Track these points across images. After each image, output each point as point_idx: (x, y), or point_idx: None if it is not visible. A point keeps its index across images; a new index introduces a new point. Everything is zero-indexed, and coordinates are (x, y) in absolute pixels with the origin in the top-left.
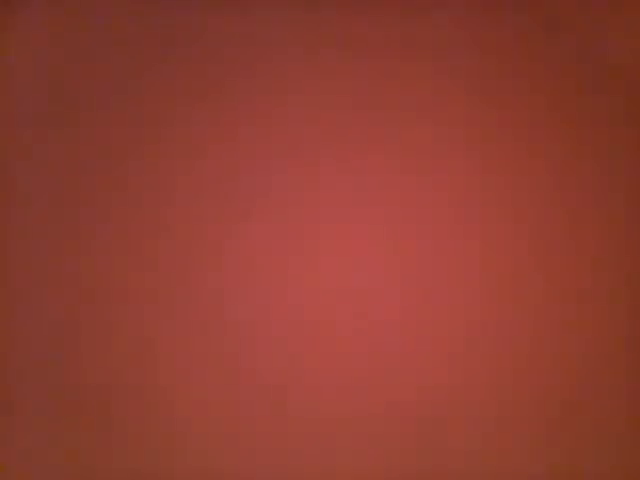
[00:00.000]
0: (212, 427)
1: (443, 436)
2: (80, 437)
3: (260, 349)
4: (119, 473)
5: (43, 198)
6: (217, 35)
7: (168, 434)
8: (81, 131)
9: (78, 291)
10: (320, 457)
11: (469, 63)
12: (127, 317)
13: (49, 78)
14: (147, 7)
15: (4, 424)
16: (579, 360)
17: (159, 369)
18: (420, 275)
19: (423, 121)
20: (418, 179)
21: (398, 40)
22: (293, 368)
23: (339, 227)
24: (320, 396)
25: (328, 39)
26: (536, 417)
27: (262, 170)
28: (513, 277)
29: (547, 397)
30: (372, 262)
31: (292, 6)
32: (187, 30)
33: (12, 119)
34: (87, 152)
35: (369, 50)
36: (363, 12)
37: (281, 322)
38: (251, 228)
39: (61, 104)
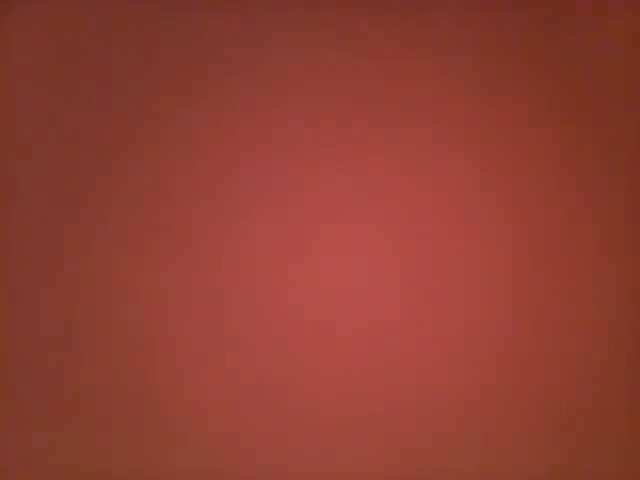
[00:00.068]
0: (212, 427)
1: (443, 436)
2: (80, 437)
3: (260, 349)
4: (119, 473)
5: (43, 198)
6: (217, 35)
7: (168, 434)
8: (81, 131)
9: (78, 291)
10: (320, 457)
11: (469, 63)
12: (127, 317)
13: (49, 78)
14: (147, 7)
15: (4, 424)
16: (579, 360)
17: (159, 369)
18: (420, 275)
19: (423, 121)
20: (418, 179)
21: (398, 40)
22: (293, 368)
23: (339, 227)
24: (320, 396)
25: (328, 39)
26: (536, 417)
27: (262, 170)
28: (513, 277)
29: (547, 397)
30: (372, 262)
31: (292, 6)
32: (187, 30)
33: (12, 119)
34: (87, 152)
35: (369, 50)
36: (363, 12)
37: (281, 322)
38: (251, 228)
39: (61, 104)
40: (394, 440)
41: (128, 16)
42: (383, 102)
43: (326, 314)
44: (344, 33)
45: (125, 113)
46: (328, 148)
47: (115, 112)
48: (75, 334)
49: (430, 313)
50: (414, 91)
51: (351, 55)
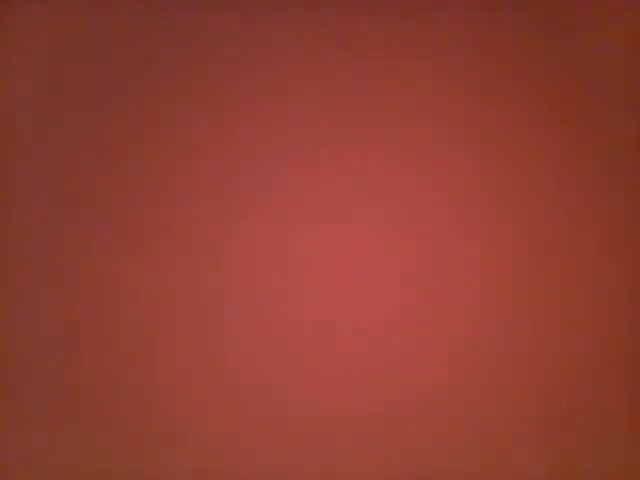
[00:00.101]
0: (212, 427)
1: (443, 436)
2: (80, 437)
3: (260, 349)
4: (119, 473)
5: (43, 198)
6: (217, 35)
7: (168, 434)
8: (81, 131)
9: (78, 291)
10: (320, 457)
11: (469, 63)
12: (127, 317)
13: (49, 78)
14: (147, 7)
15: (4, 424)
16: (579, 360)
17: (159, 369)
18: (420, 275)
19: (423, 121)
20: (418, 179)
21: (398, 40)
22: (293, 368)
23: (339, 227)
24: (320, 396)
25: (328, 39)
26: (536, 417)
27: (262, 170)
28: (513, 277)
29: (547, 397)
30: (372, 262)
31: (292, 6)
32: (187, 30)
33: (12, 119)
34: (87, 152)
35: (369, 50)
36: (363, 12)
37: (281, 322)
38: (251, 228)
39: (61, 104)
40: (394, 440)
41: (128, 16)
42: (383, 102)
43: (326, 314)
44: (344, 33)
45: (125, 113)
46: (328, 148)
47: (115, 112)
48: (75, 334)
49: (430, 313)
50: (414, 91)
51: (351, 55)
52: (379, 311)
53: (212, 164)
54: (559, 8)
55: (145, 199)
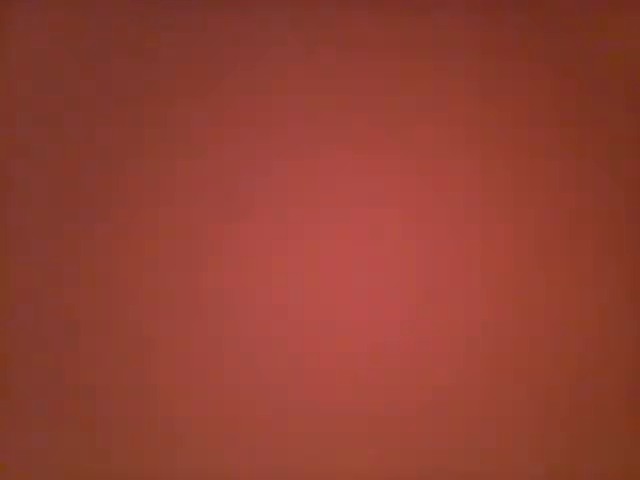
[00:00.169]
0: (212, 427)
1: (443, 436)
2: (80, 437)
3: (260, 349)
4: (119, 473)
5: (43, 198)
6: (217, 35)
7: (168, 434)
8: (81, 131)
9: (78, 291)
10: (320, 457)
11: (469, 63)
12: (127, 317)
13: (49, 78)
14: (147, 7)
15: (4, 424)
16: (579, 360)
17: (159, 369)
18: (420, 275)
19: (423, 121)
20: (418, 179)
21: (398, 40)
22: (293, 368)
23: (339, 227)
24: (320, 396)
25: (328, 39)
26: (536, 417)
27: (262, 170)
28: (513, 277)
29: (547, 397)
30: (372, 262)
31: (292, 6)
32: (187, 30)
33: (12, 119)
34: (87, 152)
35: (369, 50)
36: (363, 12)
37: (281, 322)
38: (251, 228)
39: (61, 104)
40: (394, 440)
41: (128, 16)
42: (383, 102)
43: (326, 314)
44: (344, 33)
45: (125, 113)
46: (328, 148)
47: (115, 112)
48: (75, 334)
49: (430, 313)
50: (414, 91)
51: (351, 55)
52: (379, 311)
53: (212, 164)
54: (559, 8)
55: (145, 199)
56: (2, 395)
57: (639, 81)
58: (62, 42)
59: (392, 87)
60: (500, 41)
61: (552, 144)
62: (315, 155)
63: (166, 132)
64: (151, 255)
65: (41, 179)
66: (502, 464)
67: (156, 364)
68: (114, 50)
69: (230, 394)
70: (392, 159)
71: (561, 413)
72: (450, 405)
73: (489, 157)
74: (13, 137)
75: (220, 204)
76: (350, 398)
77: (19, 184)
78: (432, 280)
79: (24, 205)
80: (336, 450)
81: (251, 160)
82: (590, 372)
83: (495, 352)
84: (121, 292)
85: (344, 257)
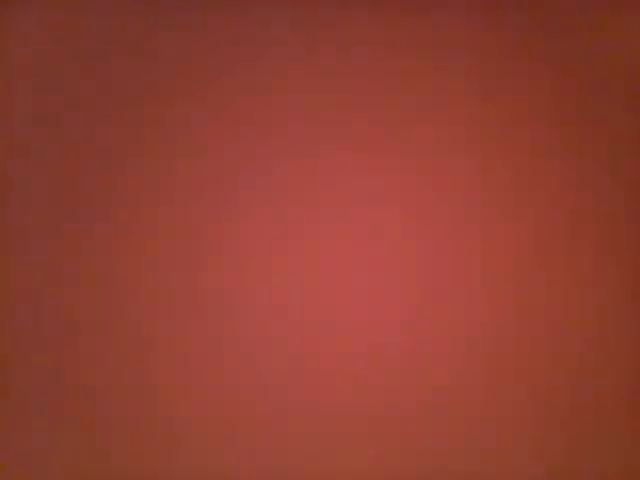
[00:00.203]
0: (212, 427)
1: (443, 436)
2: (80, 437)
3: (260, 349)
4: (119, 473)
5: (43, 198)
6: (217, 35)
7: (168, 434)
8: (81, 131)
9: (78, 291)
10: (320, 457)
11: (469, 63)
12: (127, 317)
13: (49, 78)
14: (147, 7)
15: (4, 424)
16: (579, 360)
17: (159, 369)
18: (420, 275)
19: (423, 121)
20: (418, 179)
21: (398, 40)
22: (293, 368)
23: (339, 227)
24: (320, 396)
25: (328, 39)
26: (536, 417)
27: (262, 170)
28: (513, 277)
29: (547, 397)
30: (372, 262)
31: (292, 6)
32: (187, 30)
33: (12, 119)
34: (87, 152)
35: (369, 50)
36: (363, 12)
37: (281, 322)
38: (251, 228)
39: (61, 104)
40: (394, 440)
41: (128, 16)
42: (383, 102)
43: (326, 314)
44: (344, 33)
45: (125, 113)
46: (328, 148)
47: (115, 112)
48: (75, 334)
49: (430, 313)
50: (414, 91)
51: (351, 55)
52: (379, 311)
53: (212, 164)
54: (559, 8)
55: (145, 199)
56: (2, 395)
57: (639, 81)
58: (62, 42)
59: (392, 87)
60: (500, 41)
61: (552, 144)
62: (315, 155)
63: (166, 132)
64: (151, 255)
65: (41, 179)
66: (502, 464)
67: (156, 364)
68: (114, 50)
69: (230, 394)
70: (392, 159)
71: (561, 413)
72: (450, 405)
73: (489, 157)
74: (13, 137)
75: (220, 204)
76: (350, 398)
77: (19, 184)
78: (432, 280)
79: (24, 205)
80: (336, 450)
81: (251, 160)
82: (590, 372)
83: (495, 352)
84: (121, 292)
85: (344, 257)
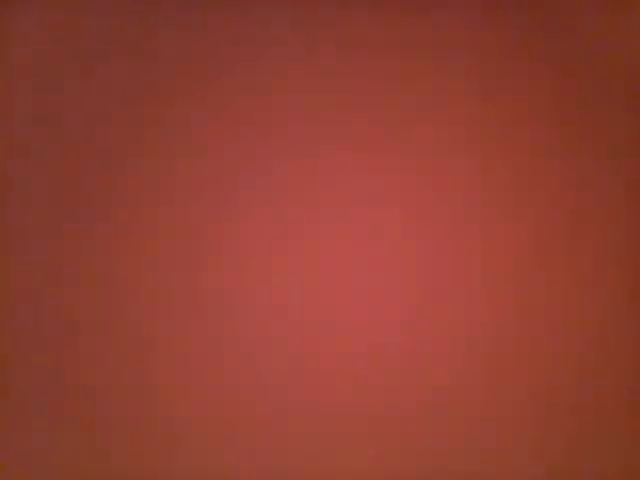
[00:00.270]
0: (212, 427)
1: (443, 436)
2: (80, 437)
3: (260, 349)
4: (119, 473)
5: (43, 198)
6: (217, 35)
7: (168, 434)
8: (81, 131)
9: (78, 291)
10: (320, 457)
11: (469, 63)
12: (127, 317)
13: (49, 78)
14: (147, 7)
15: (4, 424)
16: (579, 360)
17: (159, 369)
18: (420, 275)
19: (423, 121)
20: (418, 179)
21: (398, 40)
22: (293, 368)
23: (339, 227)
24: (320, 396)
25: (328, 39)
26: (536, 417)
27: (262, 170)
28: (513, 277)
29: (547, 397)
30: (372, 262)
31: (292, 6)
32: (187, 30)
33: (12, 118)
34: (87, 152)
35: (369, 50)
36: (363, 12)
37: (281, 322)
38: (251, 228)
39: (61, 104)
40: (394, 440)
41: (128, 16)
42: (383, 102)
43: (326, 314)
44: (344, 33)
45: (125, 113)
46: (328, 148)
47: (115, 112)
48: (75, 334)
49: (430, 313)
50: (414, 91)
51: (351, 55)
52: (379, 311)
53: (212, 164)
54: (559, 8)
55: (145, 199)
56: (2, 395)
57: (639, 81)
58: (62, 42)
59: (392, 87)
60: (500, 41)
61: (552, 144)
62: (315, 155)
63: (166, 132)
64: (151, 255)
65: (41, 179)
66: (502, 464)
67: (156, 364)
68: (114, 50)
69: (230, 394)
70: (392, 159)
71: (561, 413)
72: (450, 405)
73: (489, 157)
74: (13, 137)
75: (220, 204)
76: (350, 398)
77: (19, 184)
78: (432, 280)
79: (24, 205)
80: (336, 450)
81: (251, 160)
82: (590, 372)
83: (495, 352)
84: (121, 292)
85: (344, 257)
